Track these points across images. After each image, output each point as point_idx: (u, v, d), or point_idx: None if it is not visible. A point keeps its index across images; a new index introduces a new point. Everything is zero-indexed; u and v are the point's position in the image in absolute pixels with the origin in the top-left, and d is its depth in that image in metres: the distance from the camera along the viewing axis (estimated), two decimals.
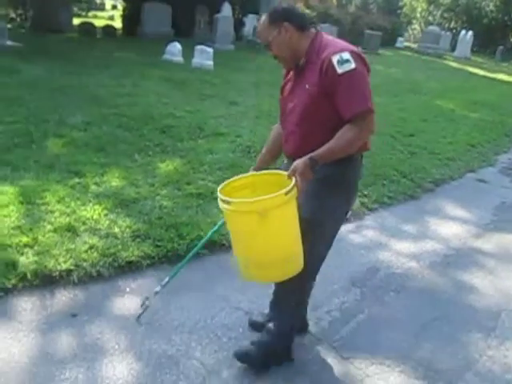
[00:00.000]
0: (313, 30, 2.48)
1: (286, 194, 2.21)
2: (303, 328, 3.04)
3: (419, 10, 31.24)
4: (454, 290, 3.77)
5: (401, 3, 31.22)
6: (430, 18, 30.19)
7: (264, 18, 2.48)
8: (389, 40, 22.21)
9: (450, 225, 4.93)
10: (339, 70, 2.26)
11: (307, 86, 2.39)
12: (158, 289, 2.92)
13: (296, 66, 2.48)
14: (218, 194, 2.35)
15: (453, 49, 23.75)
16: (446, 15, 29.43)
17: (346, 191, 2.57)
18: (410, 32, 31.64)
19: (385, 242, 4.40)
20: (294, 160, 2.38)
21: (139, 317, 2.94)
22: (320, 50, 2.37)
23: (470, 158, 7.13)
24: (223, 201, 2.30)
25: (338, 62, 2.27)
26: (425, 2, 30.57)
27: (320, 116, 2.39)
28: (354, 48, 2.38)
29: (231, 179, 2.58)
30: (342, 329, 3.14)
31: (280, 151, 2.77)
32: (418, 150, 6.96)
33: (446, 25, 28.54)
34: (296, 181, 2.28)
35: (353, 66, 2.27)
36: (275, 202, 2.21)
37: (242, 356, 2.71)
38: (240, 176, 2.63)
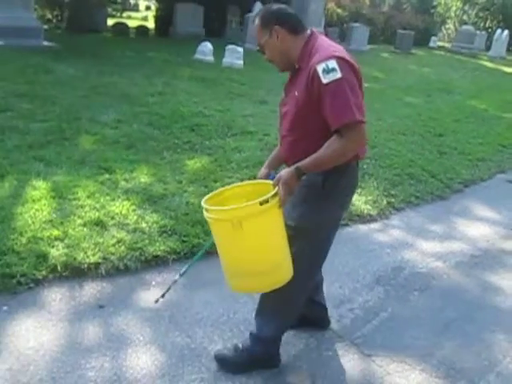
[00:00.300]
0: (307, 32, 2.38)
1: (261, 203, 2.12)
2: (324, 325, 3.06)
3: (454, 9, 30.69)
4: (479, 290, 3.74)
5: (435, 2, 30.74)
6: (465, 18, 29.64)
7: (256, 20, 2.41)
8: (422, 39, 21.89)
9: (478, 226, 4.87)
10: (324, 80, 2.15)
11: (296, 93, 2.31)
12: (176, 277, 2.95)
13: (293, 68, 2.40)
14: (202, 203, 2.28)
15: (488, 48, 23.26)
16: (481, 14, 28.83)
17: (341, 198, 2.48)
18: (444, 31, 31.10)
19: (411, 241, 4.37)
20: (288, 166, 2.33)
21: (157, 301, 2.89)
22: (311, 56, 2.26)
23: (500, 158, 7.00)
24: (205, 209, 2.25)
25: (324, 70, 2.15)
26: (459, 0, 30.04)
27: (310, 124, 2.30)
28: (344, 54, 2.25)
29: (223, 188, 2.55)
30: (363, 326, 3.15)
31: None
32: (447, 150, 6.88)
33: (481, 24, 27.97)
34: (279, 189, 2.20)
35: (338, 75, 2.14)
36: (249, 210, 2.14)
37: (220, 359, 2.66)
38: (232, 185, 2.59)
